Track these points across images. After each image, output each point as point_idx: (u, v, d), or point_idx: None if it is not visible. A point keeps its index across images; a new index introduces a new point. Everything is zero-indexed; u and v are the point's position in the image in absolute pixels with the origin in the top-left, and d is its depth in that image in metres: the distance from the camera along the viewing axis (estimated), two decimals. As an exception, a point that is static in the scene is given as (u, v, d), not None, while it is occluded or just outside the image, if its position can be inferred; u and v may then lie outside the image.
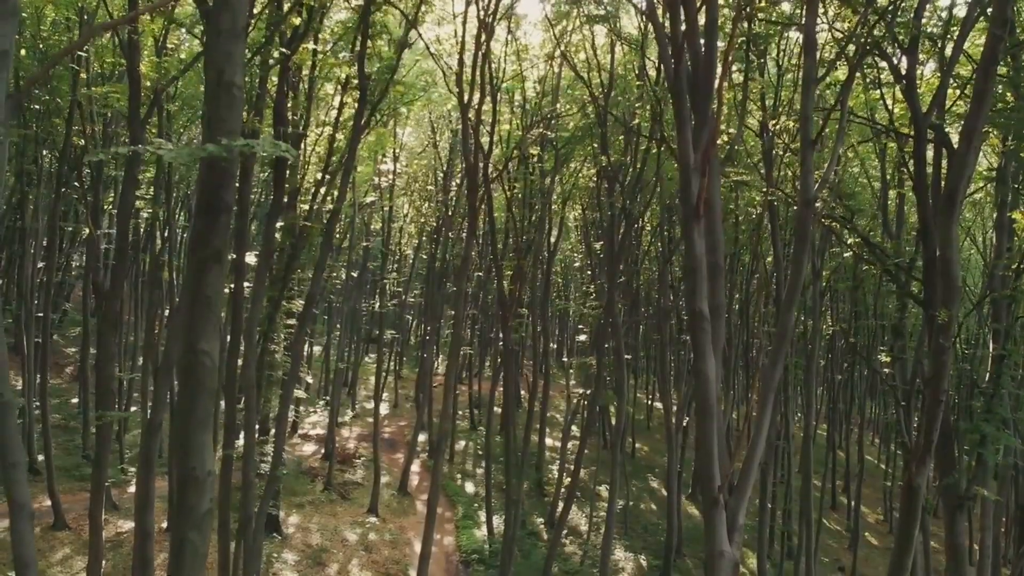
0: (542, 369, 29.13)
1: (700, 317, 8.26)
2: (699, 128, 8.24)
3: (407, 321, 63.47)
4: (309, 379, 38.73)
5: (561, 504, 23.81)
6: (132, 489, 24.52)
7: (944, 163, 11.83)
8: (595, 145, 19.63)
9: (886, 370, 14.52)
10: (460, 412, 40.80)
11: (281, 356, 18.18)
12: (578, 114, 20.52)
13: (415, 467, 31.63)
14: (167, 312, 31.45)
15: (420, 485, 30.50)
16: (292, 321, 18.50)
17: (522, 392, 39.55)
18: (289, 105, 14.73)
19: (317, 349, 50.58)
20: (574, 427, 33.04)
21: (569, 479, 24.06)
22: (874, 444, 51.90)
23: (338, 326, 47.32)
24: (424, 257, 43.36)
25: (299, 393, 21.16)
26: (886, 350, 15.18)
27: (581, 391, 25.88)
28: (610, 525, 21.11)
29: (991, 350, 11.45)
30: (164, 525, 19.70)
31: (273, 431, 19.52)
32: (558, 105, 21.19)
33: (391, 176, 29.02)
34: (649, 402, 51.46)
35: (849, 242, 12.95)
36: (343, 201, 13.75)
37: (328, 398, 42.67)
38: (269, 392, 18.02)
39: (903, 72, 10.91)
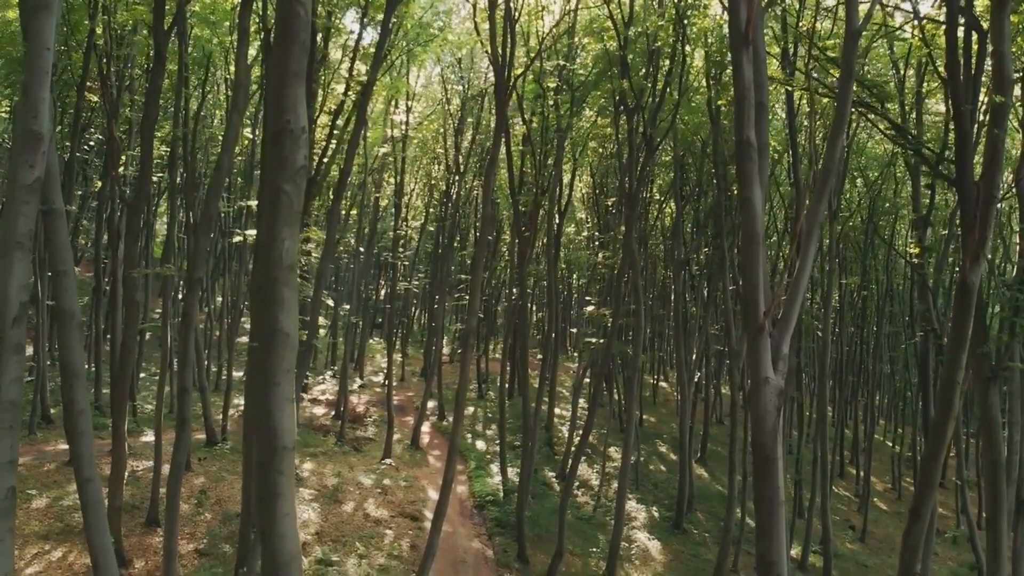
0: (553, 326, 29.08)
1: (747, 145, 8.28)
2: (746, -49, 8.28)
3: (411, 310, 63.65)
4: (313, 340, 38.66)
5: (571, 462, 23.82)
6: (144, 439, 24.54)
7: (974, 47, 11.98)
8: (615, 80, 19.66)
9: (914, 260, 14.67)
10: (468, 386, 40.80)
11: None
12: (597, 48, 20.60)
13: (425, 428, 31.62)
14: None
15: (431, 443, 30.48)
16: (310, 247, 18.50)
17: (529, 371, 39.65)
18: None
19: (322, 332, 50.68)
20: (582, 401, 33.06)
21: (578, 439, 23.98)
22: (879, 423, 51.97)
23: (346, 307, 47.25)
24: (431, 230, 43.36)
25: (321, 327, 21.05)
26: (915, 241, 15.31)
27: (594, 341, 25.80)
28: (624, 468, 20.94)
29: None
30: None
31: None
32: (576, 38, 21.30)
33: (404, 127, 29.05)
34: (654, 381, 51.54)
35: (881, 127, 13.04)
36: (375, 76, 13.69)
37: (336, 368, 42.76)
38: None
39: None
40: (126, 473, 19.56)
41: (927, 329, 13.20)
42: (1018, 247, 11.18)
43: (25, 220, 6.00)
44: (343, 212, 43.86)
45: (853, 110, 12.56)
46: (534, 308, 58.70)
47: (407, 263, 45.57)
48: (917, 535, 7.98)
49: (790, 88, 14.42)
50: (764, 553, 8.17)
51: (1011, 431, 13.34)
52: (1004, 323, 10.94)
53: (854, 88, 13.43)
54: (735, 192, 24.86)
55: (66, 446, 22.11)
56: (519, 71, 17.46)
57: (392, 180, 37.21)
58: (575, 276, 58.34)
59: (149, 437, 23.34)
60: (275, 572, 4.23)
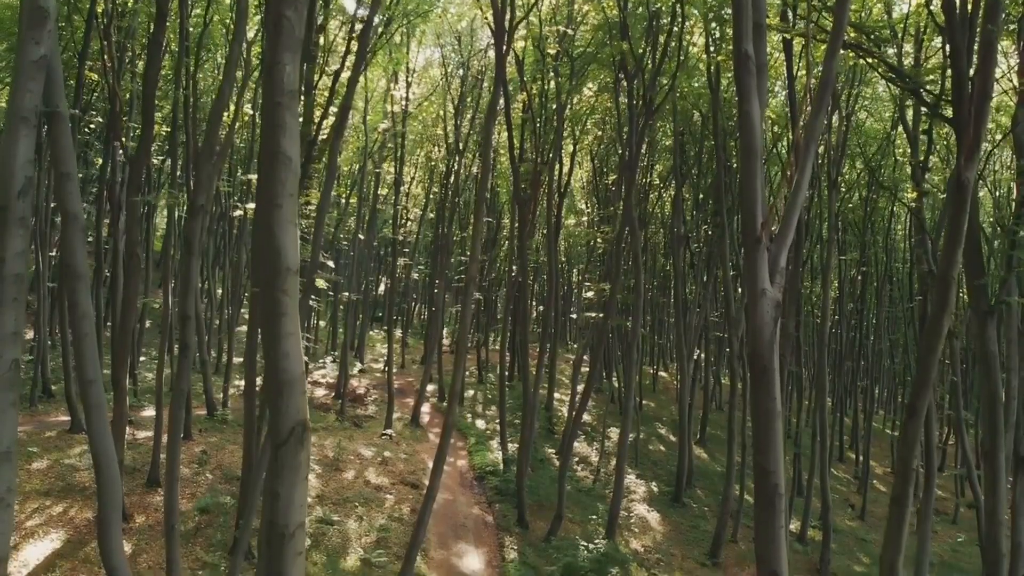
0: (552, 306, 29.13)
1: (745, 58, 8.33)
2: None
3: (411, 302, 63.75)
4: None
5: (570, 431, 23.83)
6: (144, 413, 24.56)
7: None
8: (615, 46, 19.76)
9: (912, 204, 14.78)
10: (468, 372, 40.84)
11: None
12: (597, 17, 20.73)
13: (425, 408, 31.65)
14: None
15: (431, 421, 30.50)
16: (310, 208, 18.48)
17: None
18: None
19: (322, 324, 50.75)
20: (581, 386, 33.01)
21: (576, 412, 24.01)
22: (878, 413, 51.98)
23: (346, 294, 47.28)
24: (431, 216, 43.43)
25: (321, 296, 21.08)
26: (912, 186, 15.39)
27: (594, 315, 25.85)
28: (624, 436, 20.96)
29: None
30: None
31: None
32: (576, 5, 21.45)
33: (404, 103, 29.17)
34: (654, 371, 51.62)
35: (880, 71, 13.14)
36: (375, 10, 13.77)
37: (336, 354, 42.78)
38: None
39: None
40: (126, 439, 19.65)
41: (924, 272, 13.29)
42: (1016, 184, 11.37)
43: (31, 96, 6.07)
44: (343, 200, 44.02)
45: (852, 53, 12.64)
46: (534, 304, 58.75)
47: (407, 249, 45.62)
48: (914, 430, 8.03)
49: (788, 36, 14.55)
50: (762, 463, 8.21)
51: (1008, 376, 13.39)
52: (1002, 257, 11.01)
53: (852, 34, 13.56)
54: (735, 166, 24.97)
55: (67, 416, 22.23)
56: (521, 15, 17.54)
57: (391, 170, 37.42)
58: (575, 271, 58.49)
59: (149, 412, 23.39)
60: (279, 390, 4.29)
